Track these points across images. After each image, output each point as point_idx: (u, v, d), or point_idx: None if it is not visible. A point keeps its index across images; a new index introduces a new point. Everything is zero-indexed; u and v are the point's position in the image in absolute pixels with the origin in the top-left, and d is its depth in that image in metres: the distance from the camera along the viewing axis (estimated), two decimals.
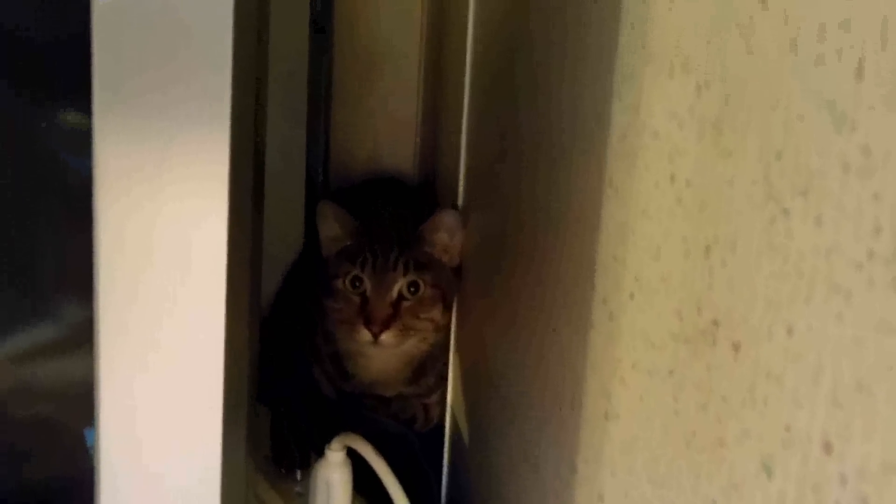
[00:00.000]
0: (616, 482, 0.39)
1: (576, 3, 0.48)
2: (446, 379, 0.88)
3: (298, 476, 0.74)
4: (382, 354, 0.82)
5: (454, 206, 0.83)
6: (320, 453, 0.75)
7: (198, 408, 0.42)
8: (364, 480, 0.70)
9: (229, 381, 0.43)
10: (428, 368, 0.87)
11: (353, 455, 0.70)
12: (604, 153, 0.41)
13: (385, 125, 1.10)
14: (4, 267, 0.49)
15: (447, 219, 0.81)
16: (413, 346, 0.82)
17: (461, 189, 0.83)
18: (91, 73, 0.38)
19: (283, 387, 0.85)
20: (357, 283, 0.80)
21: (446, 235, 0.82)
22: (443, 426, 0.88)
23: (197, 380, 0.42)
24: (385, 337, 0.78)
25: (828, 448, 0.22)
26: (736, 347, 0.27)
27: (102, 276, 0.40)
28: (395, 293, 0.79)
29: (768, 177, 0.26)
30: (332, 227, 0.82)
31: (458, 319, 0.85)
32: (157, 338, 0.41)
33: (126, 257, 0.40)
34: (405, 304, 0.79)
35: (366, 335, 0.78)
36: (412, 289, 0.79)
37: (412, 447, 0.85)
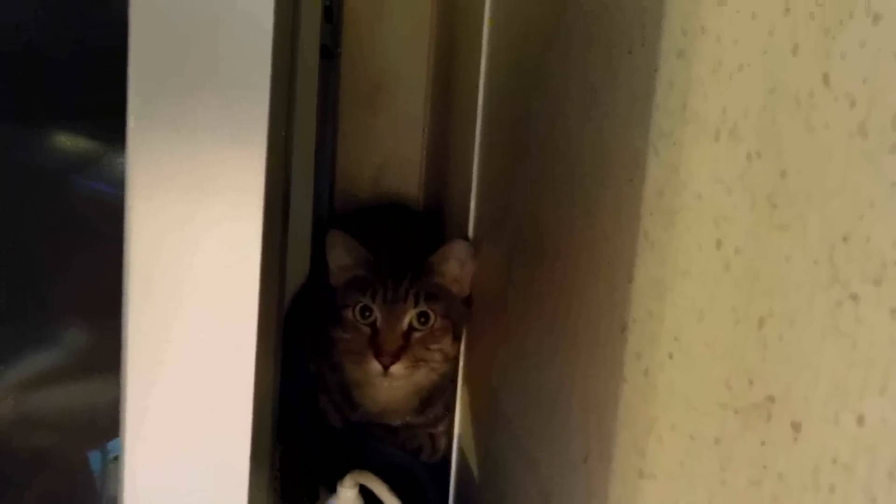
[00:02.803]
0: None
1: (604, 51, 0.47)
2: (453, 409, 0.88)
3: None
4: (391, 384, 0.81)
5: (465, 237, 0.82)
6: (327, 485, 0.74)
7: (226, 436, 0.41)
8: None
9: (258, 408, 0.42)
10: (435, 398, 0.86)
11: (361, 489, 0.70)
12: (638, 206, 0.41)
13: (391, 150, 1.10)
14: (24, 291, 0.48)
15: (458, 249, 0.81)
16: (422, 376, 0.81)
17: (472, 219, 0.83)
18: (126, 90, 0.37)
19: (289, 418, 0.84)
20: (367, 314, 0.79)
21: (457, 266, 0.81)
22: (450, 457, 0.88)
23: (226, 404, 0.41)
24: (395, 368, 0.77)
25: None
26: (796, 427, 0.27)
27: (132, 297, 0.39)
28: (405, 324, 0.78)
29: (833, 259, 0.25)
30: (342, 257, 0.82)
31: (466, 350, 0.85)
32: (186, 358, 0.40)
33: (156, 278, 0.39)
34: (415, 335, 0.79)
35: (376, 366, 0.77)
36: (422, 320, 0.79)
37: (420, 477, 0.84)
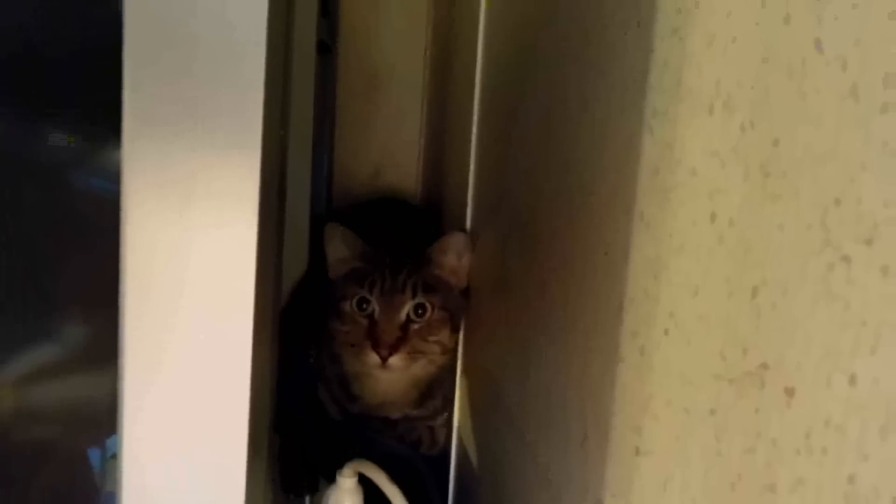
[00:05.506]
0: None
1: (598, 34, 0.48)
2: (452, 401, 0.88)
3: (307, 502, 0.73)
4: (389, 376, 0.82)
5: (462, 229, 0.83)
6: (326, 477, 0.74)
7: (223, 432, 0.41)
8: None
9: (255, 404, 0.42)
10: (434, 391, 0.86)
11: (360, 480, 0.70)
12: (633, 187, 0.41)
13: (388, 144, 1.10)
14: (25, 288, 0.49)
15: (456, 241, 0.81)
16: (420, 368, 0.81)
17: (469, 211, 0.83)
18: (122, 95, 0.37)
19: (289, 410, 0.84)
20: (364, 306, 0.79)
21: (454, 257, 0.81)
22: (449, 450, 0.87)
23: (223, 401, 0.41)
24: (393, 360, 0.77)
25: None
26: (789, 393, 0.27)
27: (128, 298, 0.40)
28: (403, 316, 0.78)
29: (825, 223, 0.25)
30: (340, 249, 0.82)
31: (464, 342, 0.85)
32: (182, 358, 0.40)
33: (152, 279, 0.39)
34: (413, 326, 0.79)
35: (374, 358, 0.77)
36: (420, 311, 0.79)
37: (419, 470, 0.84)
